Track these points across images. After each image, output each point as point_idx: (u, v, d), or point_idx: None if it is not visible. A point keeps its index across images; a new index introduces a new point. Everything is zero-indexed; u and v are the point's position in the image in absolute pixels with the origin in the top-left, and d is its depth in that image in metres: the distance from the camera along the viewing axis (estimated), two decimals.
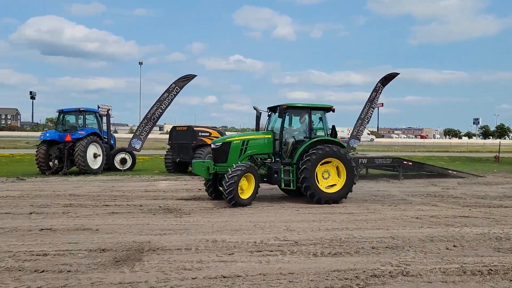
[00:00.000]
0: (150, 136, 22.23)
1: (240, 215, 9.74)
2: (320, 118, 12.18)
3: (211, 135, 19.43)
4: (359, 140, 24.50)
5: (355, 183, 11.90)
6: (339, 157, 11.43)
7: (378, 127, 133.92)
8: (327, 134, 12.04)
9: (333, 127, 12.09)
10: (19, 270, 5.60)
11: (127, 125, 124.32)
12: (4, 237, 7.36)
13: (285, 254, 6.60)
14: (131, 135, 24.33)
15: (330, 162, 11.54)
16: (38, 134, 31.73)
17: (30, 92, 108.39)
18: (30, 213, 9.57)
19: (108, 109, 22.16)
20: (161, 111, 20.21)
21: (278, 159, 11.64)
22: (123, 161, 20.40)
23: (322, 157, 11.20)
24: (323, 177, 11.50)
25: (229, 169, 10.72)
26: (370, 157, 18.85)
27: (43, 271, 5.58)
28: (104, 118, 21.04)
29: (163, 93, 20.16)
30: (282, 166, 11.44)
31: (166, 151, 20.99)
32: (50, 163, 18.81)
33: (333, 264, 6.12)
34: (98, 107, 21.64)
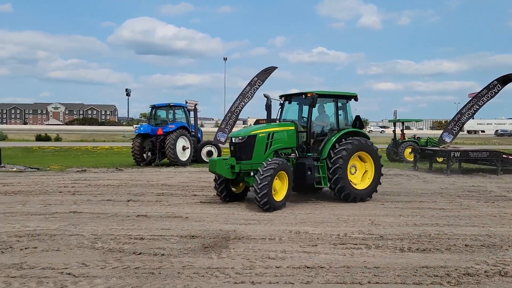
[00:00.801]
0: (234, 129, 22.87)
1: (323, 208, 9.70)
2: (343, 108, 10.98)
3: None
4: (454, 135, 22.65)
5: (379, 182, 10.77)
6: (369, 150, 10.54)
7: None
8: (350, 125, 10.96)
9: (358, 117, 11.01)
10: (120, 252, 6.14)
11: (213, 119, 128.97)
12: (107, 222, 8.09)
13: (370, 248, 6.47)
14: (216, 129, 25.24)
15: (357, 156, 10.59)
16: (133, 128, 34.07)
17: (126, 90, 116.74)
18: (128, 201, 10.40)
19: (195, 104, 23.15)
20: (243, 104, 20.70)
21: (308, 154, 10.27)
22: (210, 153, 21.25)
23: (353, 151, 10.22)
24: (350, 172, 10.44)
25: (259, 168, 9.22)
26: (464, 150, 17.61)
27: (140, 253, 6.06)
28: (192, 113, 22.08)
29: (246, 87, 20.63)
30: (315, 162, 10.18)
31: None
32: (144, 155, 20.18)
33: (421, 260, 5.88)
34: (186, 102, 22.71)
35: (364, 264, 5.67)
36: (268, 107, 10.63)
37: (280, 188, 9.47)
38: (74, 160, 22.40)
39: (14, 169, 17.38)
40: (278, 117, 10.99)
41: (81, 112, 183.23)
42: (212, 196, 11.17)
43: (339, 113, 10.84)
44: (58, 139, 46.69)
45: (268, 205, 9.02)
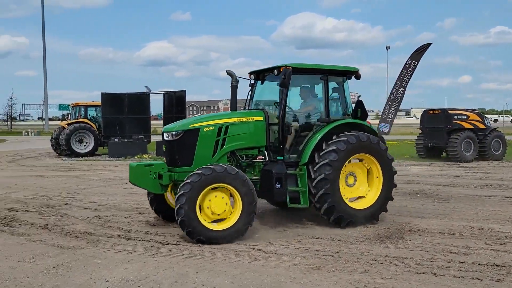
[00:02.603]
0: (397, 121, 22.02)
1: (510, 205, 8.80)
2: (337, 89, 7.76)
3: (469, 118, 17.88)
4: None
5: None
6: (373, 151, 7.18)
7: None
8: (349, 114, 7.68)
9: (360, 102, 7.65)
10: (299, 235, 6.66)
11: (373, 111, 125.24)
12: (285, 208, 8.79)
13: None
14: (377, 121, 24.61)
15: (357, 159, 7.36)
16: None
17: None
18: None
19: (359, 96, 22.97)
20: (402, 90, 19.68)
21: (279, 157, 6.96)
22: None
23: (348, 153, 6.95)
24: (346, 183, 7.28)
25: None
26: None
27: (318, 237, 6.50)
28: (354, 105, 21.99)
29: (401, 71, 19.57)
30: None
31: (417, 136, 20.40)
32: None
33: None
34: None
35: None
36: (234, 89, 7.42)
37: (225, 210, 6.21)
38: None
39: None
40: (247, 104, 7.94)
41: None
42: None
43: (333, 96, 7.67)
44: None
45: (193, 234, 6.01)
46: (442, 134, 17.99)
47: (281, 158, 6.94)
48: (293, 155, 7.23)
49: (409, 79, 19.57)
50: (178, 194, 6.01)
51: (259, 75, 7.84)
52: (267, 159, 7.04)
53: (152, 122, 25.67)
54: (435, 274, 4.94)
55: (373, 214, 7.23)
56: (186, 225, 5.95)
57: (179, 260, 5.44)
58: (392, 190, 7.40)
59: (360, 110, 7.60)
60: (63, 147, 21.31)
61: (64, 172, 15.26)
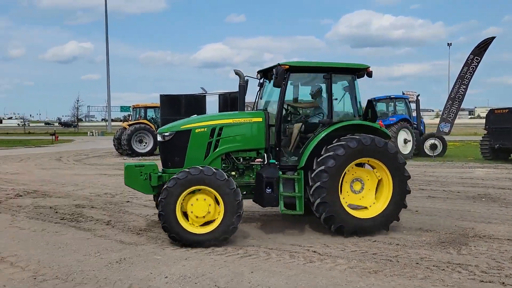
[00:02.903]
0: (459, 121, 20.98)
1: None
2: (347, 88, 7.27)
3: None
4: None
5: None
6: (380, 155, 6.61)
7: None
8: (360, 115, 7.16)
9: (369, 102, 7.43)
10: (355, 238, 6.52)
11: (433, 110, 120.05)
12: None
13: None
14: (437, 120, 23.57)
15: (365, 164, 6.92)
16: None
17: None
18: None
19: (418, 95, 22.17)
20: (464, 88, 18.66)
21: (271, 161, 6.73)
22: (433, 146, 20.04)
23: (349, 158, 6.50)
24: (351, 189, 6.82)
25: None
26: None
27: (375, 241, 6.34)
28: (413, 104, 21.23)
29: (462, 68, 18.53)
30: (280, 173, 6.62)
31: (483, 137, 19.32)
32: None
33: None
34: (403, 93, 21.95)
35: None
36: (241, 89, 7.25)
37: (209, 212, 6.04)
38: None
39: None
40: (255, 104, 7.70)
41: None
42: (442, 191, 10.62)
43: (343, 97, 7.27)
44: None
45: (175, 237, 6.03)
46: (510, 135, 16.92)
47: (274, 161, 6.71)
48: (294, 157, 6.91)
49: (471, 76, 18.55)
50: (159, 200, 6.01)
51: (267, 74, 7.55)
52: (265, 162, 6.73)
53: None
54: (503, 283, 4.66)
55: (382, 223, 6.68)
56: (168, 230, 5.97)
57: (235, 259, 5.51)
58: (406, 196, 6.80)
59: (370, 111, 7.23)
60: (124, 147, 22.32)
61: None
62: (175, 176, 5.99)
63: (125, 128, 23.04)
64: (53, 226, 7.30)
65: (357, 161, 6.63)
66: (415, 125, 20.60)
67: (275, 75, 6.54)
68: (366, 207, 6.80)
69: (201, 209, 5.99)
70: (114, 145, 24.09)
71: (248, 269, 5.13)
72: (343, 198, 6.64)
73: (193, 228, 6.03)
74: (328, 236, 6.59)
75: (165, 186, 6.00)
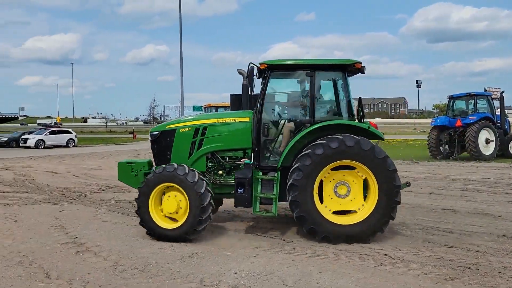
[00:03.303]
0: None
1: None
2: (336, 86, 6.79)
3: None
4: None
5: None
6: (361, 158, 6.05)
7: None
8: (351, 115, 6.67)
9: (359, 100, 6.79)
10: (429, 242, 6.22)
11: None
12: (411, 212, 8.30)
13: None
14: None
15: (352, 167, 6.25)
16: (424, 120, 33.12)
17: (416, 81, 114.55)
18: (430, 193, 10.32)
19: (502, 92, 20.59)
20: None
21: (247, 161, 6.70)
22: None
23: (327, 160, 6.08)
24: (336, 194, 6.30)
25: None
26: None
27: (452, 246, 6.00)
28: (497, 102, 19.77)
29: None
30: (256, 174, 6.44)
31: None
32: (441, 148, 19.41)
33: None
34: (485, 89, 20.46)
35: None
36: (245, 88, 6.70)
37: (181, 208, 6.26)
38: None
39: None
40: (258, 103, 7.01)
41: (371, 106, 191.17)
42: None
43: (327, 95, 6.91)
44: None
45: (150, 232, 6.40)
46: None
47: (248, 162, 6.63)
48: (275, 158, 6.66)
49: None
50: (139, 191, 6.37)
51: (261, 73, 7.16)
52: (251, 162, 6.59)
53: None
54: None
55: (362, 233, 6.11)
56: (144, 221, 6.35)
57: (303, 259, 5.50)
58: (395, 208, 6.15)
59: (360, 110, 6.82)
60: None
61: None
62: (153, 172, 6.41)
63: None
64: (131, 219, 7.76)
65: (338, 163, 6.16)
66: (499, 124, 19.17)
67: (247, 74, 6.45)
68: (355, 211, 6.32)
69: (171, 205, 6.26)
70: None
71: (316, 269, 5.10)
72: (326, 201, 6.29)
73: (161, 222, 6.34)
74: (400, 239, 6.36)
75: (144, 179, 6.44)
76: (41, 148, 29.62)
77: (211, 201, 6.20)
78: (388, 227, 6.75)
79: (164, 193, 6.36)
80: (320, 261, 5.40)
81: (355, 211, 6.29)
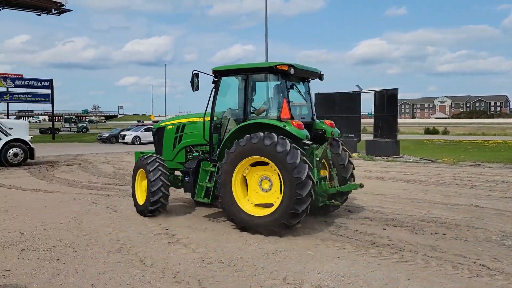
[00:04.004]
0: None
1: None
2: (276, 88, 7.26)
3: None
4: None
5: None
6: (265, 153, 6.49)
7: None
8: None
9: (285, 101, 6.88)
10: None
11: None
12: None
13: None
14: None
15: (268, 164, 6.62)
16: None
17: None
18: None
19: None
20: None
21: (196, 154, 8.21)
22: None
23: (238, 156, 6.74)
24: (260, 188, 6.86)
25: None
26: None
27: None
28: None
29: None
30: (205, 165, 7.56)
31: None
32: None
33: None
34: None
35: None
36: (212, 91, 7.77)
37: (142, 190, 8.13)
38: (464, 153, 22.12)
39: (411, 160, 18.95)
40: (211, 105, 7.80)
41: (467, 105, 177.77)
42: None
43: (269, 97, 7.45)
44: (445, 132, 47.31)
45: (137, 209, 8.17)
46: None
47: (196, 154, 8.09)
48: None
49: None
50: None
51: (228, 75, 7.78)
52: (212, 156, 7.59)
53: (362, 120, 25.68)
54: None
55: (270, 224, 6.46)
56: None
57: (389, 263, 5.31)
58: (300, 201, 6.25)
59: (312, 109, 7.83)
60: None
61: None
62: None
63: None
64: (218, 214, 8.07)
65: (250, 158, 6.70)
66: None
67: (191, 80, 7.45)
68: (273, 204, 6.63)
69: (143, 188, 8.13)
70: None
71: (404, 275, 4.89)
72: (250, 194, 6.86)
73: (140, 199, 8.10)
74: (499, 249, 5.86)
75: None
76: (137, 144, 31.92)
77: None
78: (485, 235, 6.31)
79: None
80: (408, 267, 5.17)
81: (272, 204, 6.65)
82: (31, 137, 17.49)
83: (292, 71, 6.99)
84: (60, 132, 52.52)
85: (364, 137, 24.05)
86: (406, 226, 7.18)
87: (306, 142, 6.85)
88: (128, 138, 32.59)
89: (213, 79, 7.61)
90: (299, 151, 6.36)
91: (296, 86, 7.56)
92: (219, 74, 7.57)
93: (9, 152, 16.43)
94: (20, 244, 6.19)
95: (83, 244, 6.18)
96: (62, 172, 15.10)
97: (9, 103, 40.71)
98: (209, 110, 7.55)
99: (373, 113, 24.05)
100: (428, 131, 50.29)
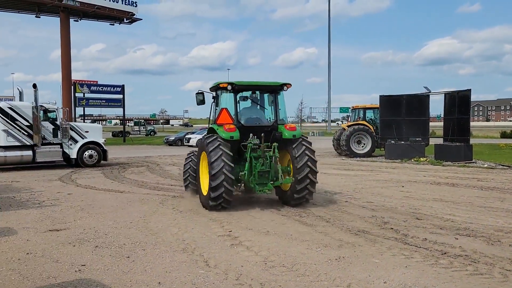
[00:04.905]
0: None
1: None
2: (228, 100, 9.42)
3: None
4: None
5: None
6: (203, 149, 9.05)
7: None
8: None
9: (222, 109, 9.20)
10: None
11: None
12: None
13: None
14: None
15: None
16: None
17: None
18: None
19: None
20: None
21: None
22: None
23: (199, 151, 9.49)
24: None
25: None
26: None
27: None
28: None
29: None
30: None
31: None
32: None
33: None
34: None
35: None
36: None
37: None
38: None
39: (485, 165, 17.76)
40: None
41: None
42: None
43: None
44: None
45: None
46: None
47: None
48: None
49: None
50: None
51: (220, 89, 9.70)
52: None
53: (431, 124, 24.51)
54: None
55: (203, 204, 8.97)
56: None
57: (462, 275, 4.99)
58: (214, 188, 8.33)
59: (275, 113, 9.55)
60: (343, 147, 22.88)
61: (344, 171, 16.35)
62: None
63: (344, 129, 23.61)
64: (280, 218, 8.05)
65: (203, 153, 8.93)
66: None
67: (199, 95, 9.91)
68: None
69: None
70: (333, 145, 24.94)
71: None
72: (203, 177, 9.06)
73: None
74: None
75: None
76: None
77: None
78: None
79: None
80: (484, 281, 4.83)
81: None
82: (105, 140, 18.69)
83: (229, 87, 8.98)
84: (130, 135, 55.45)
85: (432, 141, 22.92)
86: (480, 236, 6.73)
87: (253, 142, 8.57)
88: (193, 141, 33.55)
89: (214, 92, 9.90)
90: (220, 151, 8.28)
91: (253, 97, 9.57)
92: (213, 90, 9.86)
93: (85, 154, 17.72)
94: (94, 241, 6.57)
95: (151, 243, 6.44)
96: (132, 173, 15.91)
97: (85, 108, 43.59)
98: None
99: (442, 115, 22.85)
100: (504, 135, 46.91)
